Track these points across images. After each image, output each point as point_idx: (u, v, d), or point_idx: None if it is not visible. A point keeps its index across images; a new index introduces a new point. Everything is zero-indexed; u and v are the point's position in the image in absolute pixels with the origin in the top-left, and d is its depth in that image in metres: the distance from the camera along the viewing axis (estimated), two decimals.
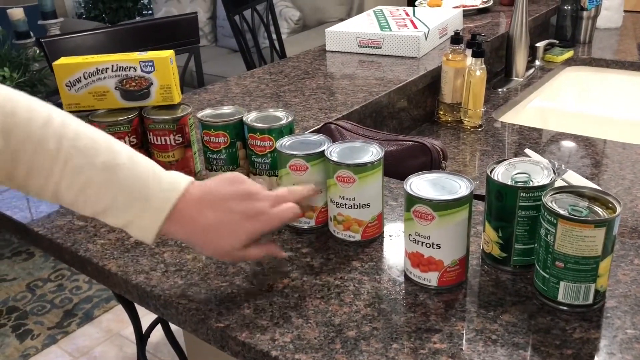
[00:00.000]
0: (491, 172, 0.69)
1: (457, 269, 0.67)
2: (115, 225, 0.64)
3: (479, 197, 1.04)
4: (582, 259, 0.60)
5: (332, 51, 1.65)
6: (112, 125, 0.91)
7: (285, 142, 0.81)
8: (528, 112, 1.67)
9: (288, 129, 0.88)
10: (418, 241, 0.66)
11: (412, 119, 1.45)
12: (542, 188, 0.65)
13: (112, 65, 0.92)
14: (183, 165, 0.95)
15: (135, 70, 0.92)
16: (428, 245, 0.66)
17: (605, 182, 1.15)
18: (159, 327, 1.52)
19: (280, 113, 0.90)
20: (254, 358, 0.62)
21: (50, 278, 2.43)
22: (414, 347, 0.60)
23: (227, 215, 0.65)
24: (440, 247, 0.65)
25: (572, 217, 0.59)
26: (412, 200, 0.65)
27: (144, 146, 0.95)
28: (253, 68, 2.03)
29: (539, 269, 0.64)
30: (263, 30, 2.49)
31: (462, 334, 0.61)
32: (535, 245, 0.65)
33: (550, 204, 0.62)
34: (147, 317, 1.53)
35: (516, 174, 0.68)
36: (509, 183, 0.67)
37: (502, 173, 0.69)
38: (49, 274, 2.46)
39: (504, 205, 0.67)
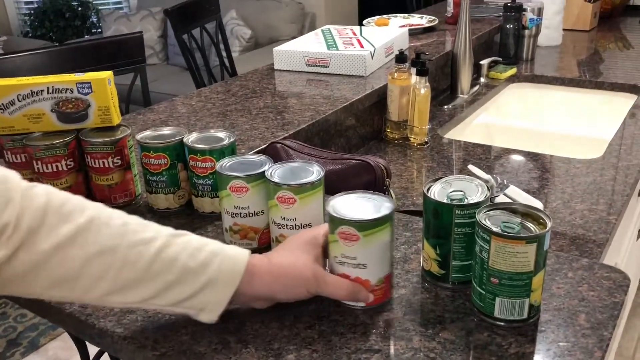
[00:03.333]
0: (428, 190, 0.70)
1: (383, 287, 0.68)
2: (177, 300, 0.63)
3: (418, 213, 1.05)
4: (516, 275, 0.61)
5: (280, 70, 1.65)
6: (48, 149, 0.89)
7: (225, 163, 0.80)
8: (473, 128, 1.71)
9: (230, 150, 0.87)
10: (344, 262, 0.66)
11: (359, 137, 1.46)
12: (476, 205, 0.66)
13: (48, 87, 0.90)
14: (123, 188, 0.93)
15: (72, 92, 0.90)
16: (354, 265, 0.66)
17: (546, 196, 1.18)
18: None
19: (221, 134, 0.89)
20: None
21: None
22: None
23: (291, 247, 0.69)
24: (366, 267, 0.66)
25: (504, 233, 0.60)
26: (336, 221, 0.65)
27: (81, 169, 0.92)
28: (202, 87, 2.01)
29: (475, 285, 0.65)
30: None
31: (401, 353, 0.61)
32: (472, 261, 0.66)
33: (483, 221, 0.63)
34: None
35: (452, 191, 0.69)
36: (445, 201, 0.68)
37: (439, 191, 0.70)
38: None
39: (441, 223, 0.68)
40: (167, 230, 0.63)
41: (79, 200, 0.62)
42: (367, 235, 0.64)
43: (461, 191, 0.69)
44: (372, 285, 0.67)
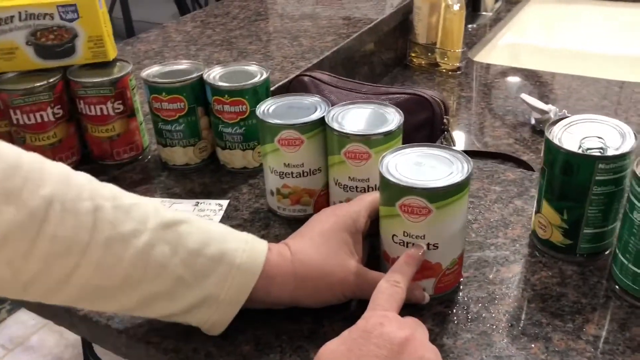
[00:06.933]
0: (549, 135, 0.53)
1: (455, 270, 0.52)
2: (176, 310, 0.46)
3: (481, 154, 0.88)
4: None
5: None
6: (28, 95, 0.69)
7: (267, 107, 0.61)
8: (500, 49, 1.52)
9: (264, 88, 0.68)
10: (408, 243, 0.50)
11: (383, 64, 1.27)
12: (624, 157, 0.50)
13: (20, 12, 0.69)
14: (127, 141, 0.74)
15: (53, 18, 0.69)
16: None
17: None
18: None
19: (252, 67, 0.70)
20: None
21: None
22: None
23: (323, 234, 0.52)
24: (437, 248, 0.49)
25: None
26: (397, 190, 0.47)
27: (72, 119, 0.73)
28: (187, 13, 1.77)
29: (626, 262, 0.50)
30: None
31: (542, 359, 0.46)
32: (621, 230, 0.50)
33: None
34: None
35: (584, 138, 0.53)
36: (580, 151, 0.51)
37: (565, 137, 0.53)
38: None
39: (574, 181, 0.52)
40: (157, 217, 0.45)
41: (34, 167, 0.42)
42: (441, 207, 0.47)
43: (598, 137, 0.52)
44: (443, 269, 0.51)
